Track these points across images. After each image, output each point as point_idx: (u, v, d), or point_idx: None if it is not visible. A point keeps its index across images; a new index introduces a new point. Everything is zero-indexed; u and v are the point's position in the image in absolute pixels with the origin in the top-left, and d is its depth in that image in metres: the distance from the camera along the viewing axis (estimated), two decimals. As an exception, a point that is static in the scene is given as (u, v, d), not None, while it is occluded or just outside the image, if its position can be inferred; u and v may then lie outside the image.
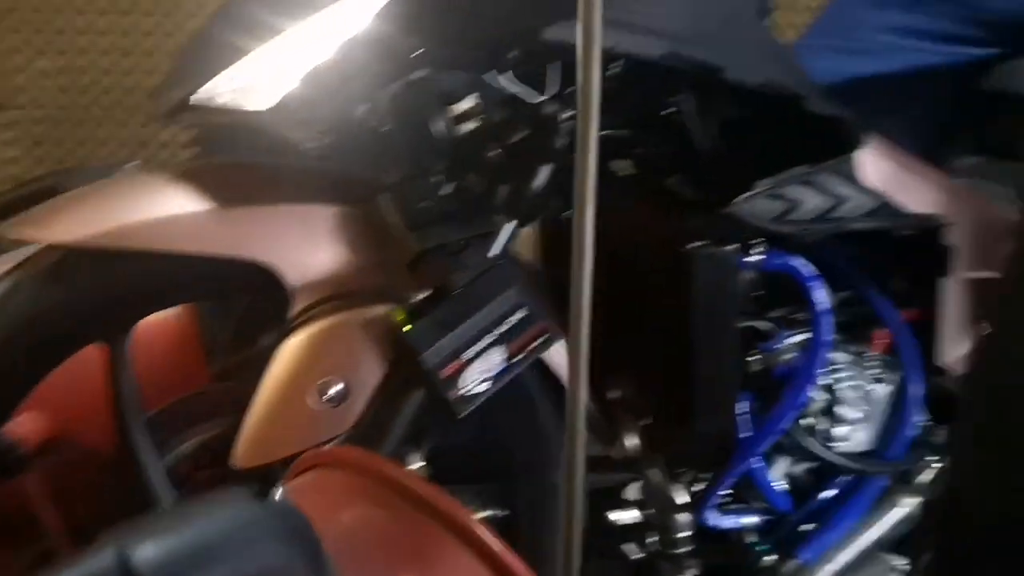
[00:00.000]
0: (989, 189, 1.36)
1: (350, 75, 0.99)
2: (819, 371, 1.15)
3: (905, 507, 1.28)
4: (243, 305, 1.29)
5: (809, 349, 1.15)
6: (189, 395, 1.24)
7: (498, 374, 1.07)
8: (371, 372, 1.09)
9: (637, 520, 1.30)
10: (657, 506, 1.27)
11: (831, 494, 1.26)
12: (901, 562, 1.30)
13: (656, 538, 1.27)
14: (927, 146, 1.40)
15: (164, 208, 1.08)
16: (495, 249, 1.10)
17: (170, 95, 1.08)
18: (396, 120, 1.09)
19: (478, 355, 1.06)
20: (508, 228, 1.12)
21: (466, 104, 1.10)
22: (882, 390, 1.24)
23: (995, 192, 1.36)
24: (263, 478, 1.11)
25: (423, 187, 1.09)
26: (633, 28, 1.00)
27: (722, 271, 1.09)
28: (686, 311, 1.10)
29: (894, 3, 1.43)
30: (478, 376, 1.06)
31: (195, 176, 1.11)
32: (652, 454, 1.23)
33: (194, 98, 1.04)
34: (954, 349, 1.29)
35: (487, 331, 1.06)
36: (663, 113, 1.16)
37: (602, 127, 1.15)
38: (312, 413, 1.08)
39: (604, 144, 1.18)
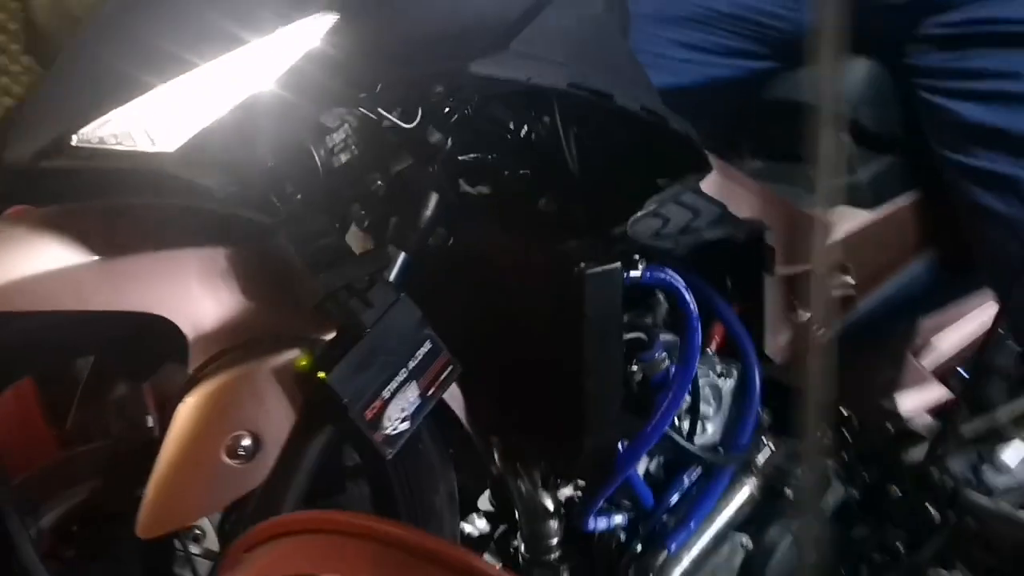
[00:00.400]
0: (780, 190, 1.47)
1: (269, 115, 0.91)
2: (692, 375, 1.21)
3: (748, 488, 1.37)
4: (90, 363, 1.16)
5: (682, 355, 1.19)
6: (43, 466, 1.11)
7: (415, 411, 1.02)
8: (282, 422, 1.01)
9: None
10: (528, 515, 1.28)
11: (687, 486, 1.33)
12: (745, 538, 1.39)
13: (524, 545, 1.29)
14: (717, 153, 1.49)
15: (40, 263, 0.95)
16: (392, 282, 1.06)
17: (34, 134, 0.94)
18: (279, 155, 1.02)
19: (394, 394, 1.01)
20: (400, 259, 1.08)
21: (339, 136, 1.05)
22: (727, 384, 1.31)
23: (786, 192, 1.47)
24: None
25: (319, 224, 1.03)
26: (539, 60, 0.99)
27: (610, 289, 1.11)
28: (575, 330, 1.11)
29: (685, 21, 1.51)
30: (398, 415, 1.01)
31: (70, 224, 0.98)
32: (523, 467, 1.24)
33: (78, 136, 0.92)
34: (777, 339, 1.39)
35: (400, 368, 1.02)
36: (523, 136, 1.17)
37: (462, 152, 1.16)
38: (223, 471, 0.99)
39: (468, 170, 1.19)
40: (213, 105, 0.89)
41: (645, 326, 1.18)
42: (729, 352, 1.34)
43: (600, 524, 1.27)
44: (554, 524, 1.27)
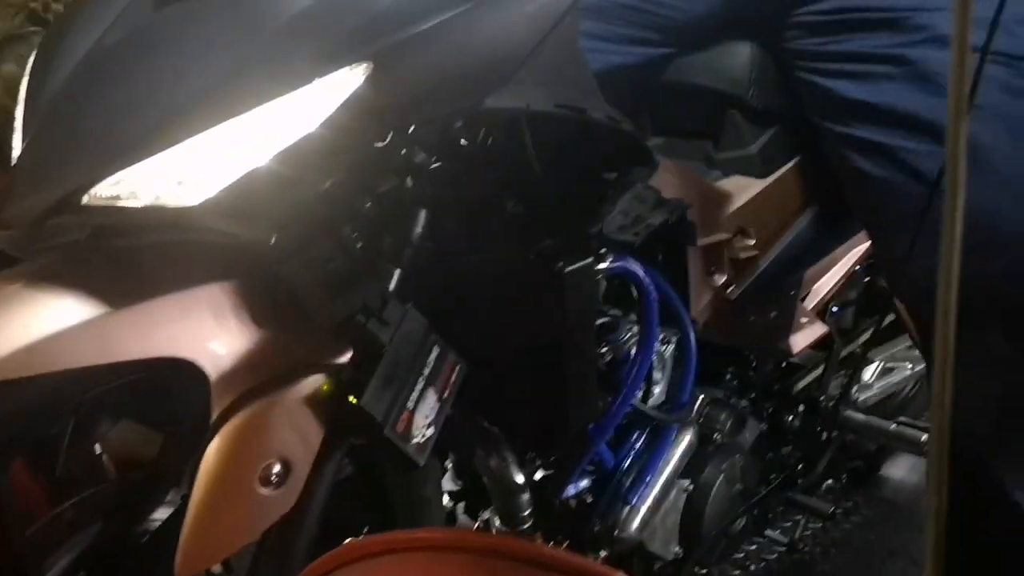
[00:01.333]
0: (683, 164, 1.52)
1: (306, 163, 0.86)
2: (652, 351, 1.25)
3: (687, 438, 1.43)
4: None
5: (643, 333, 1.23)
6: (45, 517, 1.03)
7: (436, 415, 1.02)
8: (309, 445, 0.99)
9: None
10: (502, 492, 1.30)
11: (640, 444, 1.38)
12: (687, 483, 1.45)
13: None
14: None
15: (56, 320, 0.88)
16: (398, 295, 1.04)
17: (41, 190, 0.87)
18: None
19: (417, 403, 1.00)
20: (397, 274, 1.06)
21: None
22: (668, 349, 1.36)
23: (689, 167, 1.52)
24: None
25: (323, 248, 0.99)
26: (529, 86, 0.98)
27: (586, 283, 1.13)
28: (557, 323, 1.12)
29: (587, 12, 1.52)
30: (424, 423, 1.00)
31: (77, 276, 0.91)
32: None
33: (90, 195, 0.85)
34: (700, 302, 1.45)
35: (418, 377, 1.01)
36: (479, 143, 1.16)
37: (428, 160, 1.14)
38: (258, 500, 0.96)
39: (433, 175, 1.17)
40: (247, 157, 0.85)
41: (612, 311, 1.20)
42: (663, 319, 1.40)
43: (570, 491, 1.31)
44: (527, 496, 1.30)
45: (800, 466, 1.73)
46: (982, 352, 1.30)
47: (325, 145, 0.88)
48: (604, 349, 1.22)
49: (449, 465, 1.36)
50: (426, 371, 1.02)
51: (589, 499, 1.35)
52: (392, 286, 1.05)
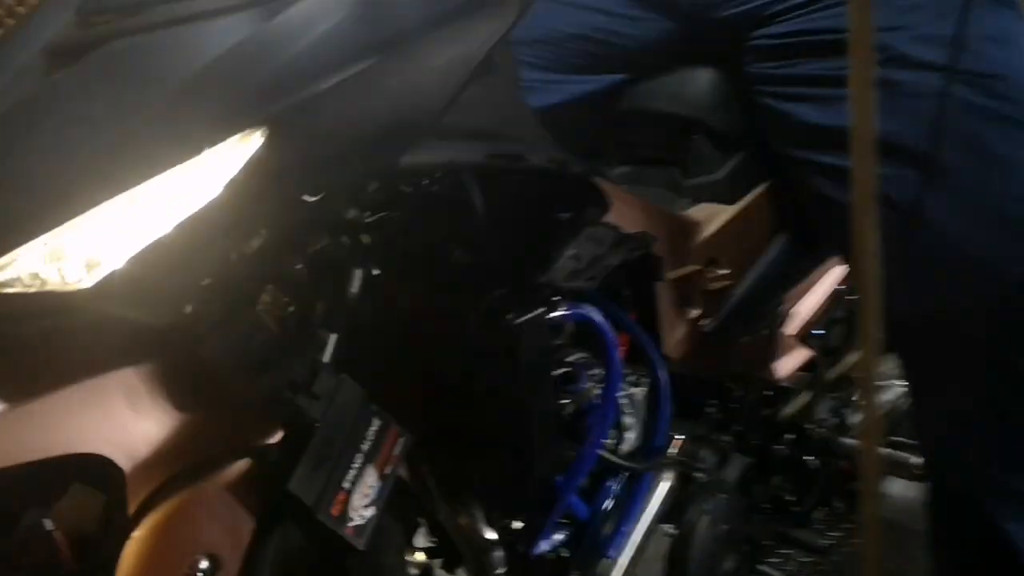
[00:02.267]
0: (644, 192, 1.41)
1: (210, 234, 0.76)
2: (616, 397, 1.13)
3: (666, 481, 1.31)
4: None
5: (607, 379, 1.11)
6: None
7: (377, 494, 0.90)
8: (238, 537, 0.87)
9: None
10: (472, 550, 1.18)
11: (615, 492, 1.26)
12: (670, 527, 1.33)
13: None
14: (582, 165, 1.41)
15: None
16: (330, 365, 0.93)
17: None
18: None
19: (355, 483, 0.89)
20: (331, 340, 0.94)
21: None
22: (639, 392, 1.24)
23: (654, 195, 1.41)
24: None
25: (250, 319, 0.88)
26: (455, 139, 0.87)
27: (540, 333, 1.01)
28: (511, 377, 1.01)
29: (535, 43, 1.42)
30: (362, 502, 0.89)
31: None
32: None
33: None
34: (674, 337, 1.33)
35: (354, 454, 0.89)
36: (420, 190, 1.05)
37: (362, 214, 1.03)
38: (184, 601, 0.84)
39: (370, 228, 1.06)
40: (143, 231, 0.73)
41: (570, 360, 1.09)
42: (632, 358, 1.28)
43: (543, 546, 1.19)
44: (499, 554, 1.18)
45: (790, 497, 1.61)
46: (970, 384, 1.19)
47: (232, 211, 0.76)
48: (566, 400, 1.11)
49: (423, 521, 1.25)
50: (364, 446, 0.90)
51: (566, 553, 1.23)
52: (327, 355, 0.94)
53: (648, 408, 1.26)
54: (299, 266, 0.93)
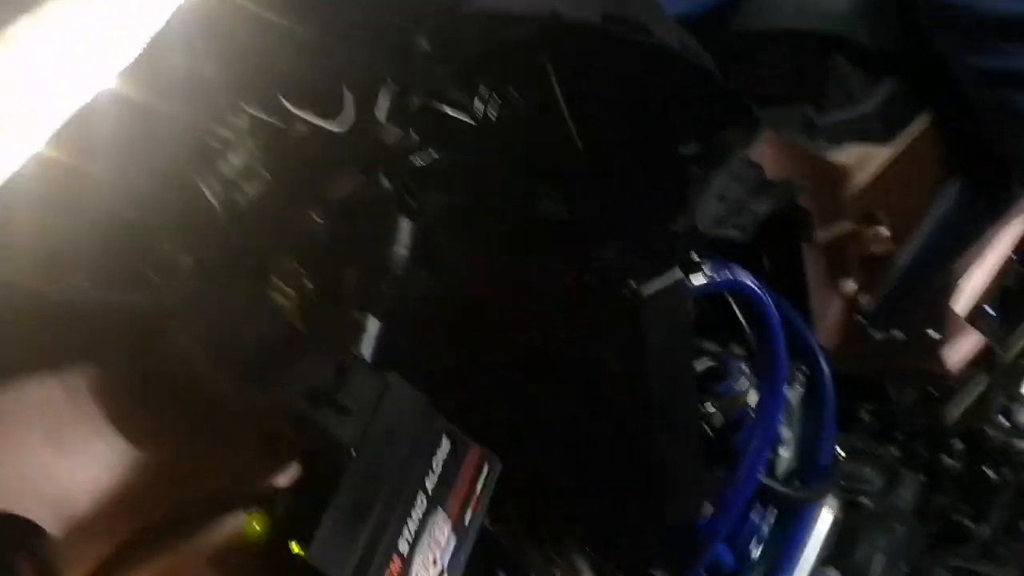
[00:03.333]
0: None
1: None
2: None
3: (829, 513, 0.99)
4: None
5: (768, 376, 0.80)
6: None
7: (453, 554, 0.60)
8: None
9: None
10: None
11: (765, 529, 0.94)
12: (834, 573, 1.01)
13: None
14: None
15: None
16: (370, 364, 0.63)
17: None
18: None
19: (415, 541, 0.59)
20: (372, 328, 0.65)
21: (237, 157, 0.61)
22: (796, 393, 0.92)
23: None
24: None
25: (237, 300, 0.59)
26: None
27: (676, 309, 0.70)
28: (635, 374, 0.70)
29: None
30: (428, 567, 0.59)
31: None
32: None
33: None
34: (826, 320, 1.02)
35: (413, 497, 0.59)
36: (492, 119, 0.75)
37: (411, 141, 0.73)
38: None
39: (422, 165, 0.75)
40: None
41: (715, 350, 0.78)
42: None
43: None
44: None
45: (968, 522, 1.28)
46: None
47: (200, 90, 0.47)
48: (710, 408, 0.80)
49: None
50: (430, 483, 0.61)
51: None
52: (364, 348, 0.64)
53: (807, 415, 0.94)
54: (319, 219, 0.64)
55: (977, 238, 1.18)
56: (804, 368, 0.90)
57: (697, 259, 0.70)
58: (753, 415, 0.78)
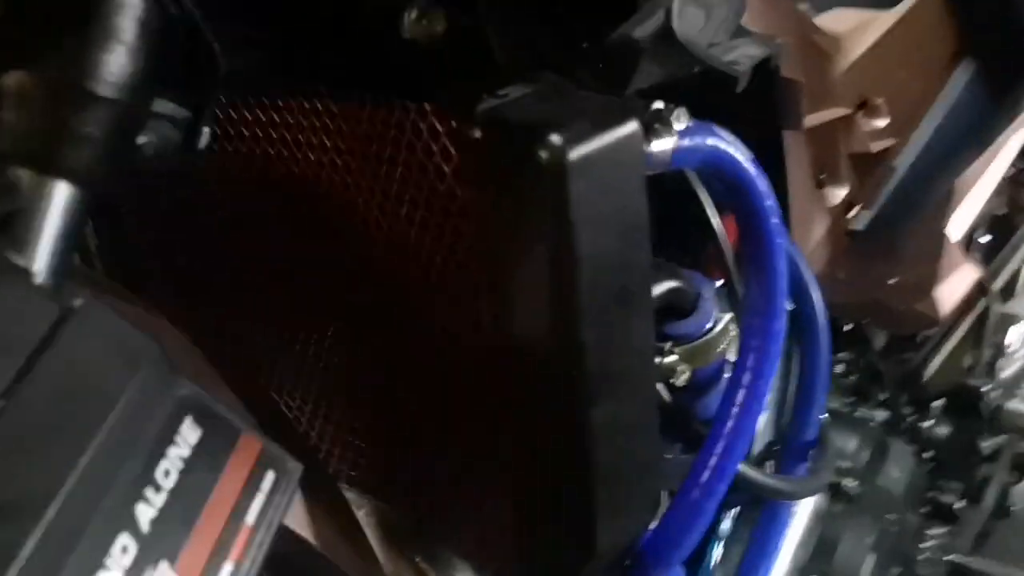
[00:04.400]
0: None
1: None
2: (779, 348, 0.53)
3: (810, 506, 0.73)
4: None
5: (760, 311, 0.52)
6: None
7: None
8: None
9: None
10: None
11: (727, 532, 0.68)
12: (812, 580, 0.76)
13: None
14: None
15: None
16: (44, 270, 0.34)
17: None
18: None
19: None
20: (61, 199, 0.35)
21: None
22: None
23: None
24: None
25: None
26: None
27: (622, 187, 0.42)
28: (555, 299, 0.42)
29: None
30: None
31: None
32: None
33: None
34: (809, 236, 0.75)
35: (111, 525, 0.31)
36: None
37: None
38: None
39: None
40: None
41: (677, 269, 0.50)
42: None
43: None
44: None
45: (958, 503, 1.05)
46: None
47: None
48: (670, 357, 0.52)
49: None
50: (148, 501, 0.32)
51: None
52: (48, 234, 0.35)
53: (788, 369, 0.68)
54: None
55: (992, 139, 0.93)
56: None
57: (664, 107, 0.42)
58: (731, 373, 0.51)
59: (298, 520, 0.47)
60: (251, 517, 0.30)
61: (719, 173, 0.45)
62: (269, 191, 0.44)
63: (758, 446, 0.64)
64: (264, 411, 0.52)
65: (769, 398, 0.67)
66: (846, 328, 0.96)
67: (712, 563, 0.66)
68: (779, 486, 0.56)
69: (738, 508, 0.66)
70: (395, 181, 0.43)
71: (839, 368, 0.91)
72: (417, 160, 0.43)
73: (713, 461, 0.50)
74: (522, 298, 0.42)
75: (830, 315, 0.77)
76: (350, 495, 0.58)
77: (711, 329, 0.49)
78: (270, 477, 0.31)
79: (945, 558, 0.94)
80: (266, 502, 0.30)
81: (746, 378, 0.49)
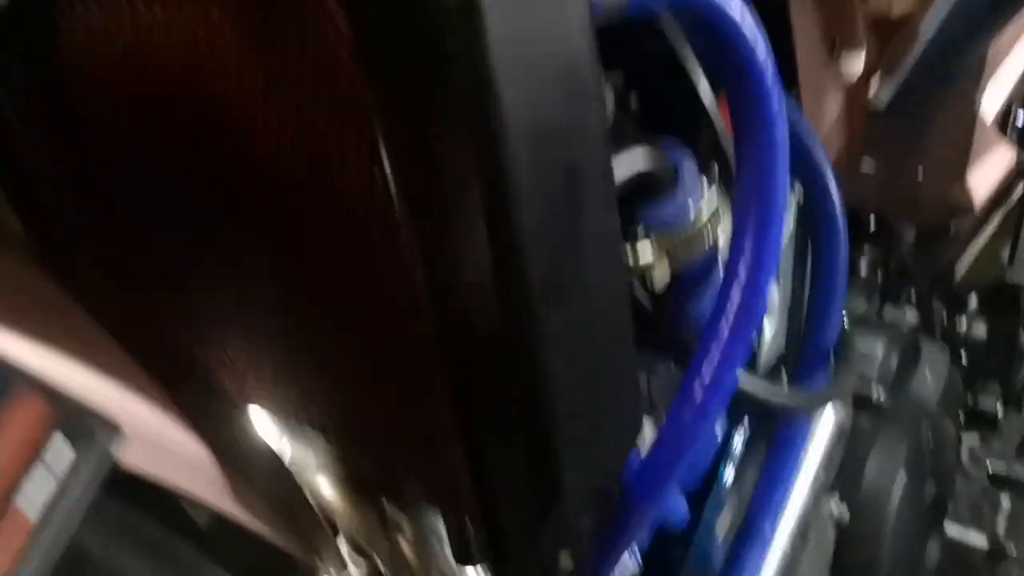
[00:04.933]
0: None
1: None
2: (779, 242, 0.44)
3: (830, 420, 0.66)
4: None
5: (750, 199, 0.43)
6: None
7: None
8: None
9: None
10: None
11: (742, 444, 0.60)
12: (835, 503, 0.68)
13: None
14: None
15: None
16: None
17: None
18: None
19: None
20: None
21: None
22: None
23: None
24: None
25: None
26: None
27: (563, 30, 0.34)
28: (482, 173, 0.34)
29: None
30: None
31: None
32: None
33: None
34: (823, 119, 0.66)
35: None
36: None
37: None
38: None
39: None
40: None
41: (647, 138, 0.41)
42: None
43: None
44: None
45: (995, 411, 0.96)
46: None
47: None
48: (645, 250, 0.43)
49: None
50: None
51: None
52: None
53: (800, 264, 0.59)
54: None
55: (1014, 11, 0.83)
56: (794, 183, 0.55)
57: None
58: (725, 267, 0.42)
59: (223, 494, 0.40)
60: (29, 504, 0.21)
61: (695, 18, 0.36)
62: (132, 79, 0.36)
63: (769, 358, 0.56)
64: (186, 361, 0.45)
65: (778, 300, 0.59)
66: (870, 222, 0.88)
67: (724, 487, 0.58)
68: (787, 400, 0.48)
69: (748, 427, 0.59)
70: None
71: (864, 268, 0.82)
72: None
73: (707, 374, 0.42)
74: (443, 192, 0.33)
75: (851, 208, 0.69)
76: (301, 446, 0.51)
77: (695, 213, 0.41)
78: (65, 451, 0.22)
79: (984, 467, 0.86)
80: (58, 487, 0.22)
81: (742, 271, 0.40)
